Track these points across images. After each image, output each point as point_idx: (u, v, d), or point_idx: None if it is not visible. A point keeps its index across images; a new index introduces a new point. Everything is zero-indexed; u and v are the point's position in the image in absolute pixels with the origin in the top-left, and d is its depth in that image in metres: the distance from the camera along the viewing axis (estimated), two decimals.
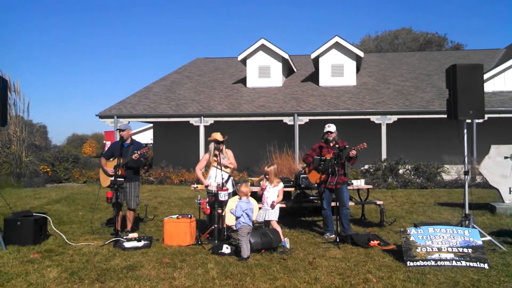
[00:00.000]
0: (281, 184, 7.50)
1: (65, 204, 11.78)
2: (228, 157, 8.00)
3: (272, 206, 7.26)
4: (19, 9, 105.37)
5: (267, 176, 7.47)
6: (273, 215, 7.26)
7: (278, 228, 7.18)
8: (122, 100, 20.98)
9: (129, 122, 19.67)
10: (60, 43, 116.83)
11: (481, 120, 15.96)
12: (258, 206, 7.53)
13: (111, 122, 19.30)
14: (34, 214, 7.58)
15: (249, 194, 6.88)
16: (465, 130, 7.43)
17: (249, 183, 9.98)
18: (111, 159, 8.06)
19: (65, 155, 19.72)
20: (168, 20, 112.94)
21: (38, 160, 18.28)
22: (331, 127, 7.95)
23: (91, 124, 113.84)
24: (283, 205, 8.97)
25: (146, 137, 36.25)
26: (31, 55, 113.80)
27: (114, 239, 7.16)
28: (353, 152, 7.69)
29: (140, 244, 6.88)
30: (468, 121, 7.66)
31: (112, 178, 7.52)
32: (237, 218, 6.54)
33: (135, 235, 7.20)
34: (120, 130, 8.06)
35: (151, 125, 26.20)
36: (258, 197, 7.78)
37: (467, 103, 7.08)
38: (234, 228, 6.70)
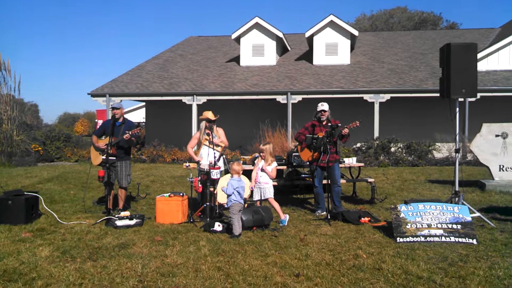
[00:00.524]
0: (275, 163, 7.49)
1: (57, 183, 11.75)
2: (219, 135, 7.98)
3: (260, 183, 7.26)
4: None
5: (262, 154, 7.44)
6: (268, 193, 7.27)
7: (276, 204, 7.19)
8: (114, 79, 20.81)
9: (121, 100, 19.57)
10: (52, 21, 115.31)
11: (473, 99, 16.02)
12: (251, 184, 7.54)
13: (103, 100, 19.17)
14: (25, 193, 7.55)
15: (241, 172, 6.89)
16: (457, 109, 7.44)
17: (242, 162, 9.99)
18: (103, 137, 8.05)
19: (56, 134, 19.63)
20: None
21: (29, 139, 18.18)
22: (325, 106, 7.93)
23: (83, 103, 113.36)
24: (275, 183, 8.99)
25: (138, 116, 36.11)
26: (22, 33, 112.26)
27: (106, 217, 7.17)
28: (345, 130, 7.69)
29: (132, 222, 6.90)
30: (461, 99, 7.66)
31: (104, 157, 7.51)
32: (228, 196, 6.55)
33: (127, 213, 7.21)
34: (114, 109, 8.01)
35: (144, 103, 26.06)
36: (250, 175, 7.79)
37: (460, 82, 7.07)
38: (226, 206, 6.72)
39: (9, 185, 10.96)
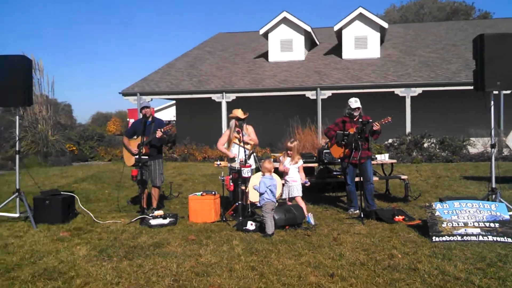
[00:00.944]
0: (301, 161, 7.44)
1: (92, 182, 12.01)
2: (249, 133, 7.97)
3: (304, 184, 7.27)
4: None
5: (289, 152, 7.39)
6: (296, 191, 7.24)
7: (302, 204, 7.17)
8: (144, 78, 21.09)
9: (151, 99, 19.80)
10: (82, 21, 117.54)
11: (508, 92, 15.54)
12: (281, 182, 7.53)
13: (134, 99, 19.45)
14: (62, 192, 7.74)
15: (272, 170, 6.88)
16: (492, 102, 7.22)
17: (272, 159, 9.98)
18: (134, 137, 8.15)
19: (90, 133, 20.05)
20: None
21: (64, 139, 18.63)
22: (358, 102, 7.83)
23: (114, 102, 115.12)
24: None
25: (169, 114, 36.51)
26: (54, 34, 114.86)
27: (140, 216, 7.29)
28: (377, 125, 7.58)
29: (166, 221, 6.99)
30: (495, 92, 7.45)
31: (136, 157, 7.61)
32: (261, 194, 6.56)
33: (160, 212, 7.31)
34: (144, 108, 8.10)
35: (174, 102, 26.33)
36: (280, 173, 7.78)
37: (494, 74, 6.85)
38: (258, 205, 6.73)
39: (46, 185, 11.27)
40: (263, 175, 6.75)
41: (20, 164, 7.80)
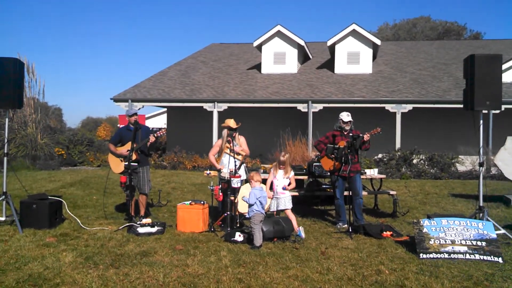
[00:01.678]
0: (292, 172, 7.44)
1: (80, 187, 11.91)
2: (241, 143, 7.98)
3: (283, 188, 7.21)
4: None
5: (281, 166, 7.35)
6: (287, 204, 7.21)
7: (292, 216, 7.14)
8: (136, 84, 21.04)
9: (143, 106, 19.77)
10: (75, 25, 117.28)
11: (497, 111, 15.74)
12: (269, 195, 7.53)
13: (126, 106, 19.39)
14: (49, 197, 7.66)
15: (261, 181, 6.87)
16: (481, 121, 7.32)
17: (262, 170, 9.99)
18: (119, 145, 8.05)
19: (79, 138, 19.89)
20: (184, 4, 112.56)
21: (53, 142, 18.46)
22: (350, 117, 7.87)
23: (105, 108, 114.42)
24: (296, 193, 8.96)
25: (159, 122, 36.39)
26: (45, 37, 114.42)
27: (128, 224, 7.24)
28: (366, 136, 7.63)
29: (154, 230, 6.95)
30: (485, 111, 7.55)
31: (126, 163, 7.54)
32: (250, 205, 6.55)
33: (148, 220, 7.27)
34: (134, 115, 8.04)
35: (165, 109, 26.27)
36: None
37: (484, 94, 6.97)
38: (247, 216, 6.71)
39: (33, 189, 11.16)
40: (253, 186, 6.74)
41: (8, 167, 7.72)
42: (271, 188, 7.39)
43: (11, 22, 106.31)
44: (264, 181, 7.56)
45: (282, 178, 7.25)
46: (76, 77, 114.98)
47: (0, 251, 5.82)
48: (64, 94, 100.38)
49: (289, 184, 7.29)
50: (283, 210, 7.23)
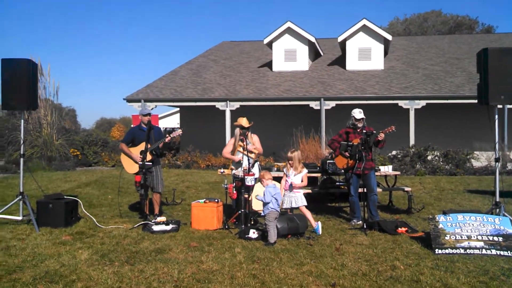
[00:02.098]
0: (305, 170, 7.44)
1: (95, 187, 12.03)
2: (254, 142, 7.99)
3: (292, 188, 7.21)
4: None
5: (290, 162, 7.39)
6: (299, 202, 7.22)
7: (307, 213, 7.13)
8: (149, 84, 21.17)
9: (155, 106, 19.90)
10: (87, 26, 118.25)
11: None
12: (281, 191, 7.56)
13: (138, 106, 19.51)
14: (65, 197, 7.76)
15: (272, 178, 6.88)
16: (496, 116, 7.24)
17: (276, 168, 9.99)
18: (130, 145, 8.07)
19: (94, 138, 20.06)
20: (195, 3, 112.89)
21: (68, 143, 18.66)
22: (362, 114, 7.84)
23: (119, 108, 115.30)
24: (309, 191, 8.96)
25: (173, 122, 36.55)
26: (59, 39, 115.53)
27: (142, 222, 7.29)
28: (381, 135, 7.60)
29: (168, 227, 6.99)
30: (500, 106, 7.46)
31: (140, 163, 7.57)
32: (266, 203, 6.54)
33: (163, 218, 7.31)
34: (148, 115, 8.08)
35: (178, 109, 26.38)
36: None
37: (498, 88, 6.88)
38: (262, 214, 6.72)
39: (49, 189, 11.29)
40: (266, 185, 6.73)
41: (24, 168, 7.83)
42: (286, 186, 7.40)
43: (25, 23, 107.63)
44: (279, 179, 7.59)
45: (293, 176, 7.25)
46: (89, 78, 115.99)
47: (18, 249, 5.91)
48: (78, 95, 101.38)
49: (302, 181, 7.27)
50: (297, 208, 7.23)
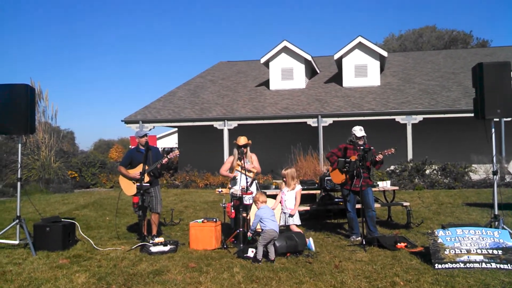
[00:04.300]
0: (299, 187, 7.45)
1: (93, 209, 11.97)
2: (252, 161, 8.00)
3: (292, 214, 7.26)
4: (42, 15, 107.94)
5: (284, 179, 7.45)
6: (291, 220, 7.24)
7: (298, 230, 7.14)
8: (147, 105, 21.26)
9: (154, 126, 19.94)
10: (85, 48, 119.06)
11: (509, 119, 15.61)
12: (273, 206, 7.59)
13: (137, 127, 19.56)
14: (62, 219, 7.72)
15: (266, 200, 6.88)
16: (493, 129, 7.27)
17: (274, 186, 9.99)
18: (128, 167, 8.08)
19: (92, 160, 20.04)
20: (191, 24, 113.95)
21: (66, 166, 18.64)
22: (363, 131, 7.82)
23: (117, 130, 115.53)
24: (307, 208, 8.94)
25: (171, 142, 36.59)
26: (56, 61, 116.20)
27: (140, 243, 7.24)
28: (379, 156, 7.57)
29: (166, 248, 6.94)
30: (496, 119, 7.50)
31: (138, 184, 7.56)
32: (252, 226, 6.56)
33: (161, 239, 7.26)
34: (145, 136, 8.09)
35: (176, 129, 26.43)
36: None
37: (494, 102, 6.93)
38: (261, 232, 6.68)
39: (47, 212, 11.23)
40: (258, 207, 6.72)
41: (22, 191, 7.80)
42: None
43: (23, 47, 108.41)
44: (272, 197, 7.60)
45: (287, 192, 7.31)
46: (87, 101, 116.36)
47: (14, 274, 5.85)
48: (76, 117, 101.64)
49: (295, 198, 7.31)
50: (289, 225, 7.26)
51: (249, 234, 6.96)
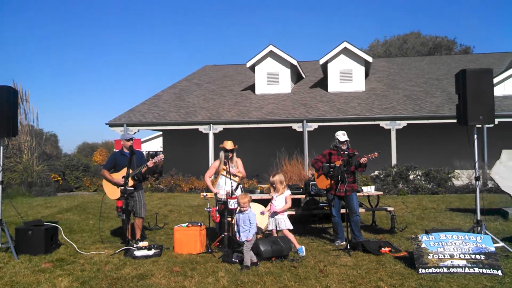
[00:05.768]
0: (288, 191, 7.46)
1: (76, 213, 11.84)
2: (238, 166, 8.01)
3: (275, 213, 7.23)
4: (26, 15, 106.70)
5: (274, 186, 7.45)
6: (283, 224, 7.22)
7: (291, 236, 7.12)
8: (131, 109, 21.10)
9: (138, 130, 19.80)
10: (69, 51, 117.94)
11: (491, 125, 15.84)
12: (265, 210, 7.58)
13: (121, 130, 19.40)
14: (45, 223, 7.62)
15: (248, 201, 6.76)
16: (475, 135, 7.37)
17: (259, 190, 9.99)
18: (112, 170, 8.03)
19: (75, 163, 19.80)
20: (177, 27, 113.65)
21: (49, 169, 18.39)
22: (346, 136, 7.88)
23: (101, 133, 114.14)
24: (293, 212, 8.95)
25: (155, 145, 36.39)
26: (39, 63, 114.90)
27: (124, 247, 7.18)
28: (364, 159, 7.64)
29: (151, 252, 6.90)
30: (479, 126, 7.61)
31: (122, 188, 7.50)
32: (244, 230, 6.53)
33: (145, 243, 7.22)
34: (130, 140, 8.04)
35: (161, 133, 26.30)
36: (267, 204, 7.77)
37: (477, 108, 7.03)
38: (241, 240, 6.60)
39: (29, 215, 11.08)
40: (242, 211, 6.68)
41: (3, 194, 7.68)
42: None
43: (6, 49, 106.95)
44: (262, 202, 7.57)
45: (276, 197, 7.30)
46: (71, 103, 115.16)
47: None
48: (60, 120, 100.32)
49: (286, 202, 7.31)
50: (281, 230, 7.23)
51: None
